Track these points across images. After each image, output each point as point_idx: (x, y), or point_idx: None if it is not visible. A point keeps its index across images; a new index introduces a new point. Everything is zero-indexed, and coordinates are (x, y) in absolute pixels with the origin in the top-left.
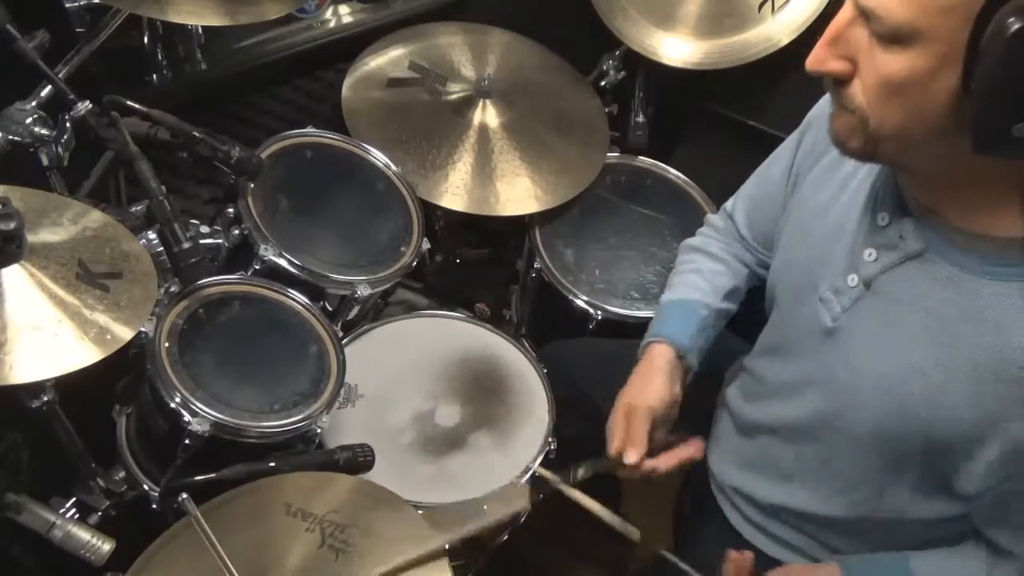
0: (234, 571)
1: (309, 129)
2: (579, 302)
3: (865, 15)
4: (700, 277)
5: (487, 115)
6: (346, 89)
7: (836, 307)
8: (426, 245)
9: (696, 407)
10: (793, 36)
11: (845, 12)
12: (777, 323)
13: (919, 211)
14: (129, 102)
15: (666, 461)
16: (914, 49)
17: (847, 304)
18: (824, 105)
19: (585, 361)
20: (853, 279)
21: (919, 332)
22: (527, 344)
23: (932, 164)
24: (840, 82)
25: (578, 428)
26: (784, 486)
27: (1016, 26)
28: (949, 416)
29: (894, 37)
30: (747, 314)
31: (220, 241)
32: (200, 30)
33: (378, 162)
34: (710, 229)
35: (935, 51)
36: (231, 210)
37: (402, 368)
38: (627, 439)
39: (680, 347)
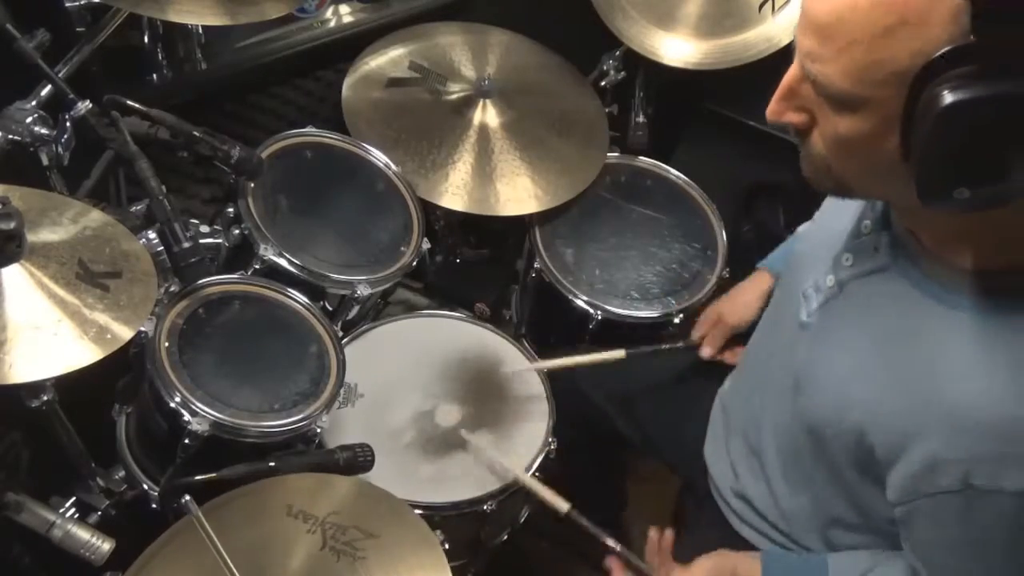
0: (236, 572)
1: (309, 129)
2: (579, 302)
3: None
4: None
5: (487, 115)
6: (346, 89)
7: (813, 303)
8: (426, 245)
9: (696, 407)
10: (793, 36)
11: (794, 70)
12: (769, 313)
13: (898, 228)
14: (129, 102)
15: (731, 357)
16: (859, 114)
17: (821, 302)
18: None
19: (592, 371)
20: (831, 279)
21: (870, 341)
22: (527, 344)
23: (900, 200)
24: (801, 131)
25: (578, 431)
26: (763, 484)
27: (946, 100)
28: (876, 423)
29: (840, 103)
30: None
31: (220, 241)
32: (200, 30)
33: (378, 162)
34: None
35: (879, 117)
36: (231, 210)
37: (402, 368)
38: (709, 339)
39: (776, 267)
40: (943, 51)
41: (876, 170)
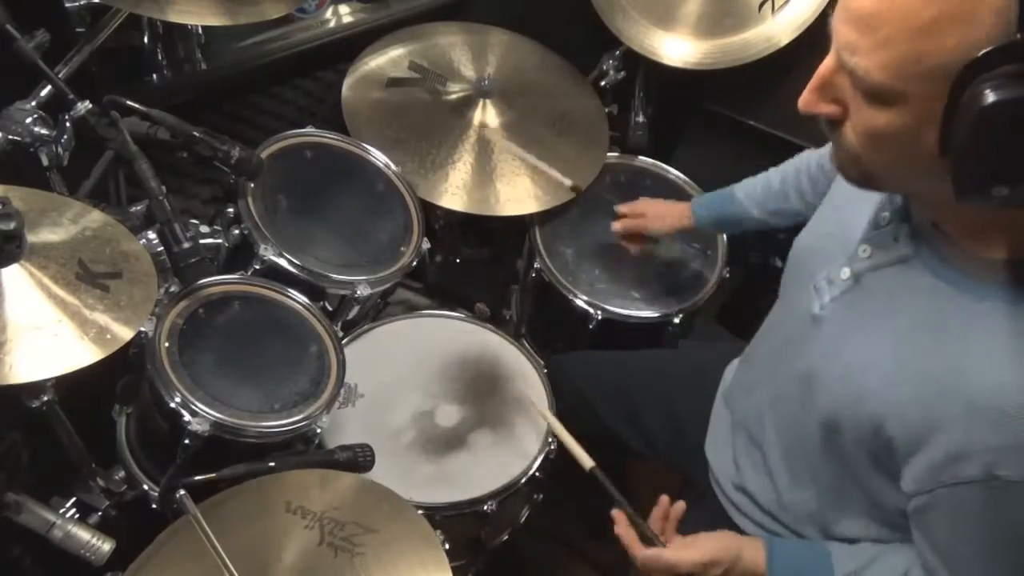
0: (232, 568)
1: (309, 129)
2: (579, 302)
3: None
4: (761, 180)
5: (487, 115)
6: (346, 89)
7: (826, 296)
8: (426, 245)
9: (697, 404)
10: (793, 36)
11: (829, 61)
12: (777, 307)
13: (919, 219)
14: (129, 102)
15: (632, 242)
16: (896, 108)
17: (836, 294)
18: None
19: (591, 373)
20: (846, 272)
21: (889, 332)
22: (527, 344)
23: (929, 194)
24: (832, 122)
25: (578, 430)
26: (764, 477)
27: (990, 98)
28: (896, 414)
29: (876, 96)
30: (746, 313)
31: (220, 241)
32: (200, 30)
33: (378, 162)
34: (807, 155)
35: (916, 112)
36: (231, 210)
37: (402, 368)
38: (625, 221)
39: (700, 223)
40: (989, 48)
41: (909, 164)
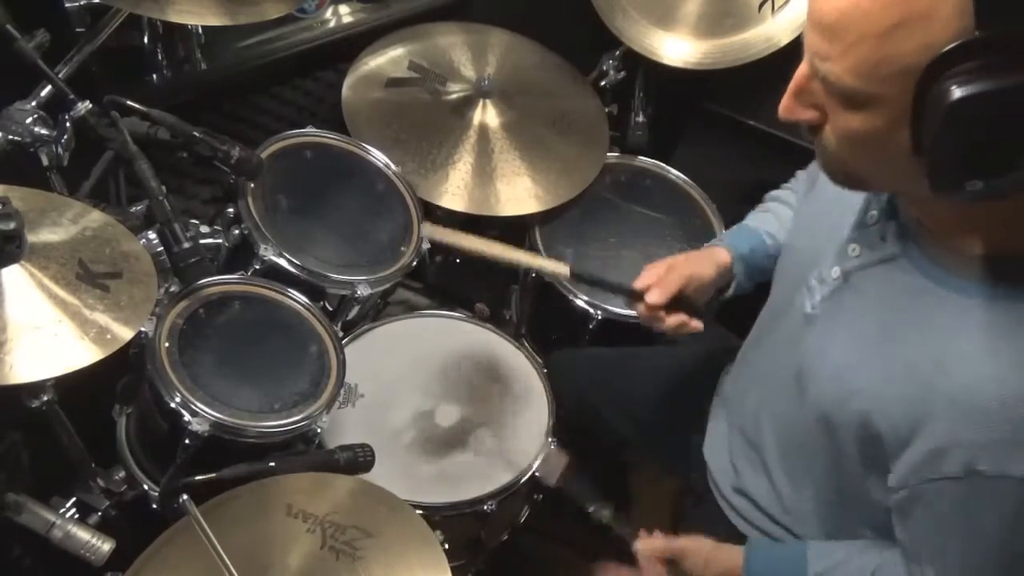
0: (234, 572)
1: (309, 129)
2: (579, 302)
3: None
4: (772, 216)
5: (487, 115)
6: (346, 89)
7: (817, 295)
8: (426, 245)
9: (695, 407)
10: (793, 36)
11: (803, 67)
12: (769, 307)
13: (905, 216)
14: (129, 102)
15: (673, 320)
16: (869, 110)
17: (826, 294)
18: None
19: (590, 372)
20: (836, 271)
21: (876, 330)
22: (527, 344)
23: (910, 192)
24: (813, 127)
25: (578, 431)
26: (764, 479)
27: (954, 95)
28: (882, 412)
29: (849, 100)
30: (746, 313)
31: (220, 241)
32: (200, 30)
33: (378, 162)
34: (793, 181)
35: (888, 113)
36: (231, 210)
37: (402, 368)
38: (658, 284)
39: (737, 254)
40: (949, 47)
41: (888, 164)
